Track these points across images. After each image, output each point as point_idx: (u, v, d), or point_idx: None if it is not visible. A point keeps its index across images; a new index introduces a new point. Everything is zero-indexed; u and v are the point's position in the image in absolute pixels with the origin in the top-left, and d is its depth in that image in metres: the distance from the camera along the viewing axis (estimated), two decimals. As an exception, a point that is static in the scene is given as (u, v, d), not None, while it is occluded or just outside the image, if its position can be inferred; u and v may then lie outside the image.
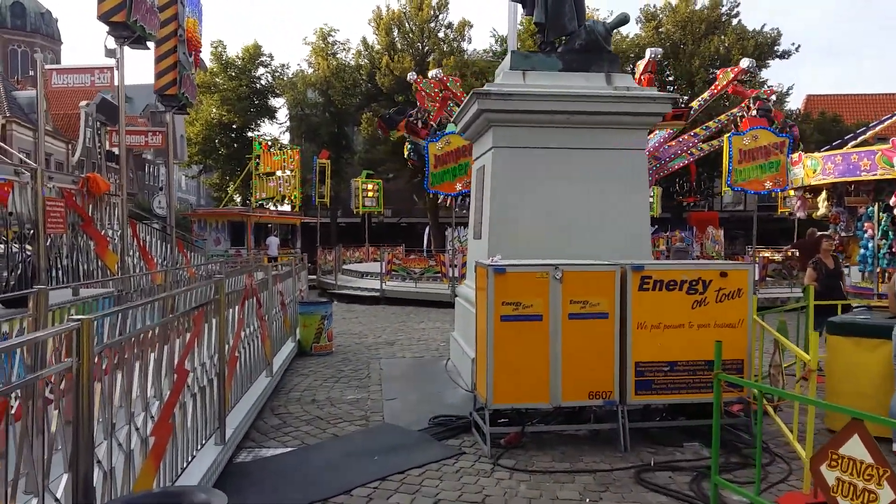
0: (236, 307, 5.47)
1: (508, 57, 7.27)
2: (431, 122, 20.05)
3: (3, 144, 10.41)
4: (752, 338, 5.83)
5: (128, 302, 6.87)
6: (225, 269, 9.52)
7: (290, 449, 5.48)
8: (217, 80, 42.15)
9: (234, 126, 41.42)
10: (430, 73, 20.37)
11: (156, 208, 38.86)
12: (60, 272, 6.80)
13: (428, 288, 18.29)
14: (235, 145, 40.46)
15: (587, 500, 4.47)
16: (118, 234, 7.57)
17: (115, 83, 8.02)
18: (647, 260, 7.00)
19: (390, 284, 18.91)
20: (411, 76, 20.93)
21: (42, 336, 3.13)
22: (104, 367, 2.97)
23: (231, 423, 5.09)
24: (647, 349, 5.53)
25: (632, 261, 5.66)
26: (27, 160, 11.40)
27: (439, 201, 22.87)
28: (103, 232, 7.14)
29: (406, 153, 20.66)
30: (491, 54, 40.59)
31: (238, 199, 41.27)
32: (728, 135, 17.26)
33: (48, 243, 5.99)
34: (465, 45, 40.74)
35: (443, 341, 11.06)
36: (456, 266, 17.41)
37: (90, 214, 6.82)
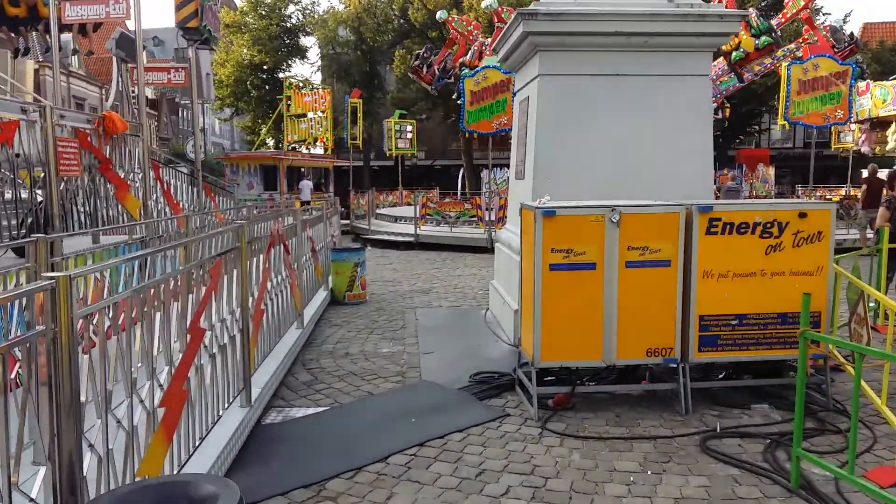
0: (261, 256, 5.03)
1: (556, -27, 6.49)
2: (435, 67, 19.29)
3: (14, 81, 10.03)
4: (835, 287, 5.19)
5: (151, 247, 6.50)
6: (252, 214, 9.12)
7: (322, 409, 5.11)
8: (247, 19, 41.24)
9: (265, 67, 40.65)
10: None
11: (189, 152, 38.80)
12: (81, 217, 6.44)
13: (463, 232, 17.77)
14: (267, 87, 39.77)
15: (648, 472, 4.00)
16: (140, 177, 7.16)
17: (132, 14, 7.51)
18: (688, 200, 6.33)
19: (425, 229, 18.43)
20: (440, 15, 19.83)
21: (6, 297, 2.69)
22: (96, 332, 2.55)
23: (258, 382, 4.72)
24: (713, 301, 4.94)
25: (697, 201, 5.02)
26: (39, 97, 11.00)
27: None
28: (123, 175, 6.74)
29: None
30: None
31: (271, 142, 40.92)
32: (787, 63, 16.02)
33: (61, 188, 5.62)
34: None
35: (480, 289, 10.59)
36: (492, 209, 16.80)
37: (108, 156, 6.41)
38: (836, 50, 16.21)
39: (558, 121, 6.33)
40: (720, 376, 5.38)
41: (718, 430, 4.59)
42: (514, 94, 7.57)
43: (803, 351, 3.79)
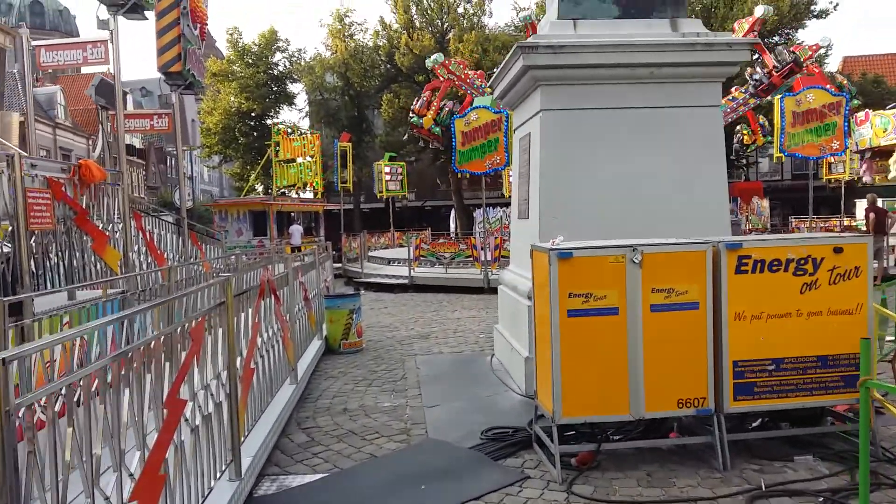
0: (250, 310, 4.60)
1: (555, 4, 6.24)
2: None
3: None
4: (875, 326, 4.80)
5: (132, 306, 6.03)
6: (240, 262, 8.70)
7: (320, 476, 4.61)
8: (234, 67, 41.41)
9: (252, 114, 40.69)
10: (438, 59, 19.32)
11: (177, 201, 38.46)
12: (55, 272, 5.99)
13: (459, 273, 17.37)
14: (255, 133, 39.76)
15: (695, 543, 3.53)
16: (121, 227, 6.74)
17: (111, 59, 7.22)
18: (713, 237, 5.98)
19: (419, 271, 18.02)
20: (430, 61, 19.66)
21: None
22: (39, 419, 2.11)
23: (249, 450, 4.23)
24: (746, 345, 4.54)
25: (724, 237, 4.65)
26: (12, 147, 10.59)
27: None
28: (102, 226, 6.33)
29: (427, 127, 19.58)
30: (513, 28, 39.22)
31: (260, 188, 40.66)
32: (779, 96, 15.95)
33: (31, 241, 5.19)
34: (486, 19, 39.43)
35: (481, 332, 10.14)
36: (487, 249, 16.45)
37: (85, 207, 6.00)
38: (775, 71, 16.16)
39: (563, 157, 6.00)
40: (754, 425, 4.95)
41: (763, 488, 4.13)
42: (515, 130, 7.27)
43: (865, 403, 3.38)
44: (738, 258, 4.50)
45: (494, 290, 16.27)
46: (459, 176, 23.86)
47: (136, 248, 7.30)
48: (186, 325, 3.19)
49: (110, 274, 6.36)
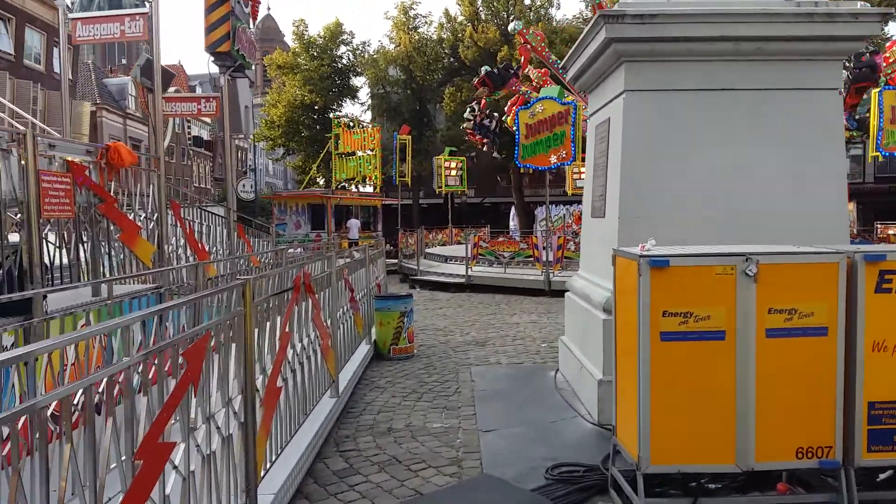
0: (279, 318, 3.94)
1: (643, -32, 5.35)
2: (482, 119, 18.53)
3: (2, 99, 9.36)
4: None
5: (165, 300, 5.49)
6: (284, 257, 8.13)
7: (354, 517, 3.92)
8: (299, 59, 41.58)
9: (316, 107, 40.74)
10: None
11: (240, 192, 38.83)
12: (73, 267, 5.49)
13: (519, 274, 16.51)
14: (318, 126, 39.77)
15: None
16: (155, 218, 6.24)
17: (151, 34, 6.74)
18: (846, 245, 4.99)
19: (477, 270, 17.25)
20: (513, 26, 18.91)
21: None
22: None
23: (270, 487, 3.56)
24: (886, 382, 3.59)
25: (861, 247, 3.72)
26: (26, 116, 10.23)
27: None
28: (133, 216, 5.82)
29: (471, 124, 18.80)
30: (581, 20, 37.95)
31: (322, 181, 40.69)
32: (877, 89, 14.45)
33: (46, 231, 4.71)
34: (552, 11, 38.29)
35: (542, 341, 9.30)
36: (549, 249, 15.52)
37: (113, 194, 5.50)
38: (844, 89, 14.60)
39: (649, 147, 5.13)
40: (882, 477, 3.99)
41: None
42: (590, 116, 6.41)
43: None
44: (879, 273, 3.56)
45: (556, 293, 15.43)
46: (522, 171, 23.00)
47: (173, 240, 6.83)
48: (178, 348, 2.52)
49: (142, 268, 5.85)
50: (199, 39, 8.90)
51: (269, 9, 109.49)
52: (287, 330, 4.03)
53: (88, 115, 33.89)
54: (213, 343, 3.02)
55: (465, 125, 18.88)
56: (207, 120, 59.50)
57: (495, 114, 18.64)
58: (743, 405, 3.54)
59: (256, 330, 3.44)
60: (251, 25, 8.73)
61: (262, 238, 11.30)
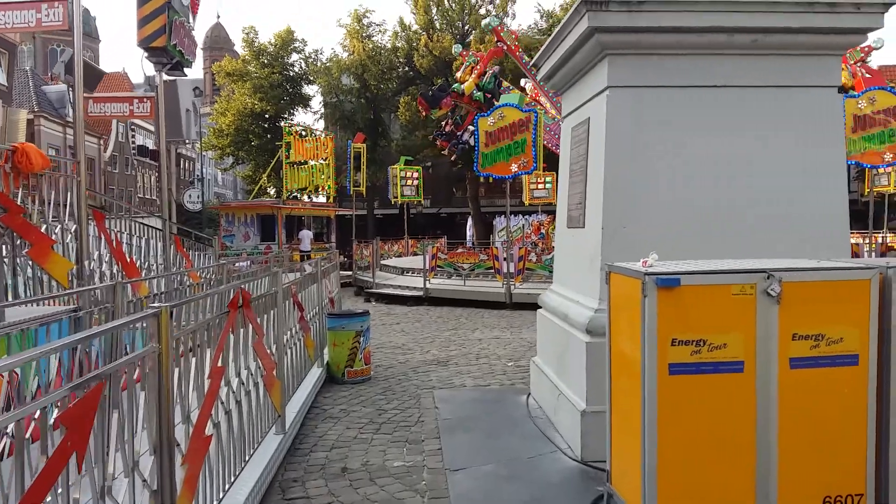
0: (209, 351, 3.25)
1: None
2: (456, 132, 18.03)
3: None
4: None
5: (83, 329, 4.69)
6: (225, 273, 7.36)
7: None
8: (249, 67, 40.47)
9: (266, 115, 39.67)
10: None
11: (186, 203, 37.39)
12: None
13: (479, 286, 15.96)
14: (269, 135, 38.71)
15: None
16: (74, 230, 5.42)
17: (72, 23, 5.95)
18: (847, 257, 4.58)
19: (435, 282, 16.64)
20: (488, 21, 18.47)
21: None
22: None
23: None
24: (922, 418, 3.12)
25: (890, 261, 3.24)
26: None
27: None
28: (46, 228, 5.01)
29: (438, 131, 18.25)
30: (536, 30, 37.99)
31: (273, 191, 39.54)
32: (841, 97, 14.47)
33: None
34: (508, 21, 38.14)
35: (509, 359, 8.74)
36: (510, 260, 14.99)
37: (20, 203, 4.69)
38: None
39: (635, 149, 4.62)
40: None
41: None
42: (564, 118, 5.89)
43: None
44: (915, 291, 3.09)
45: (517, 307, 14.92)
46: (481, 180, 22.54)
47: (96, 255, 6.00)
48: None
49: (58, 288, 5.05)
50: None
51: (218, 17, 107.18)
52: (220, 364, 3.34)
53: (24, 123, 32.15)
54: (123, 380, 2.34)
55: (436, 134, 18.30)
56: (152, 127, 57.67)
57: (470, 127, 18.11)
58: (764, 448, 3.01)
59: (177, 369, 2.74)
60: (191, 20, 7.99)
61: (206, 251, 10.46)
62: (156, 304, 2.48)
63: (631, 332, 3.14)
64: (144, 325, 3.52)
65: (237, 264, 14.87)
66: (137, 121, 49.62)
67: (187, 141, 10.03)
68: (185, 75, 8.22)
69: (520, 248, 15.32)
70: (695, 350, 2.95)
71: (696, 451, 3.01)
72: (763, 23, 4.48)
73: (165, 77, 8.25)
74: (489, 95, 16.58)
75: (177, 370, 2.73)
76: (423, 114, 18.50)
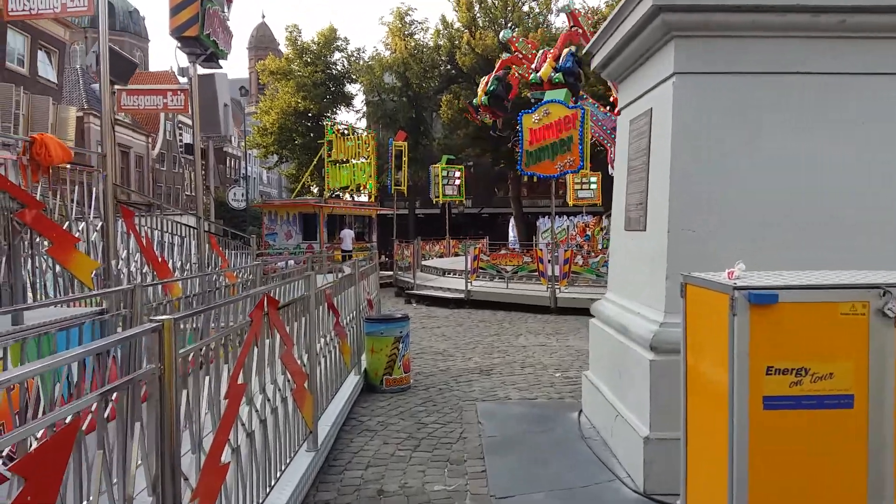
0: (226, 366, 2.89)
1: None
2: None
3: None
4: None
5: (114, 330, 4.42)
6: (259, 274, 7.06)
7: None
8: (293, 66, 40.68)
9: (310, 114, 39.80)
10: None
11: (230, 201, 37.76)
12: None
13: (522, 289, 15.47)
14: (312, 134, 38.79)
15: None
16: (100, 227, 5.19)
17: (96, 7, 5.74)
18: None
19: (477, 284, 16.20)
20: (504, 34, 18.15)
21: None
22: None
23: None
24: None
25: None
26: None
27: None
28: (66, 225, 4.78)
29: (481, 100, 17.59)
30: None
31: (316, 190, 39.67)
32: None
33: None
34: (552, 18, 37.49)
35: (556, 369, 8.26)
36: (555, 263, 14.45)
37: (41, 198, 4.45)
38: None
39: (706, 142, 4.12)
40: None
41: None
42: (622, 110, 5.40)
43: None
44: None
45: (562, 311, 14.38)
46: (524, 179, 21.97)
47: (124, 254, 5.77)
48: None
49: (82, 290, 4.80)
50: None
51: (263, 16, 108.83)
52: (241, 381, 2.98)
53: (74, 121, 32.87)
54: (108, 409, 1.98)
55: (476, 100, 17.67)
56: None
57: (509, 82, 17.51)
58: (876, 494, 2.51)
59: (185, 391, 2.39)
60: (226, 10, 7.73)
61: (245, 250, 10.23)
62: (158, 318, 2.12)
63: (714, 355, 2.67)
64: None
65: (278, 264, 14.72)
66: (184, 118, 50.36)
67: (227, 136, 9.89)
68: (221, 67, 8.00)
69: (565, 251, 14.76)
70: (794, 381, 2.46)
71: (795, 498, 2.52)
72: (852, 0, 3.93)
73: (201, 70, 8.03)
74: (570, 78, 15.86)
75: (185, 392, 2.38)
76: (493, 119, 18.01)
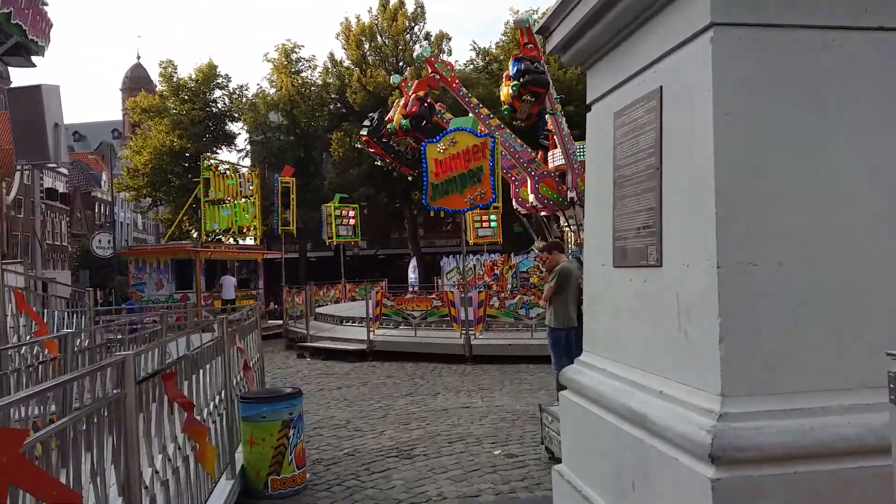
0: None
1: None
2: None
3: None
4: None
5: None
6: (70, 346, 5.00)
7: None
8: (168, 103, 37.70)
9: (187, 153, 36.80)
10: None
11: (95, 249, 33.87)
12: None
13: (432, 337, 13.80)
14: (189, 175, 35.69)
15: None
16: None
17: None
18: None
19: (381, 333, 14.40)
20: (420, 51, 17.08)
21: None
22: None
23: None
24: None
25: None
26: None
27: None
28: None
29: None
30: (472, 67, 36.91)
31: (195, 234, 36.47)
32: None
33: None
34: (444, 57, 36.95)
35: (492, 442, 6.63)
36: (467, 305, 12.88)
37: None
38: None
39: (770, 128, 2.68)
40: None
41: None
42: (593, 103, 3.93)
43: None
44: None
45: (477, 360, 12.84)
46: (422, 218, 20.61)
47: None
48: None
49: None
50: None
51: (138, 57, 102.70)
52: None
53: None
54: None
55: (363, 133, 16.21)
56: (63, 170, 53.37)
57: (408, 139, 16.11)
58: None
59: None
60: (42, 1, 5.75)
61: (78, 305, 7.88)
62: None
63: None
64: None
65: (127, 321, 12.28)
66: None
67: (55, 164, 7.63)
68: (34, 65, 5.96)
69: (479, 292, 13.29)
70: None
71: None
72: None
73: (17, 77, 5.96)
74: (420, 121, 14.74)
75: None
76: (414, 146, 16.58)
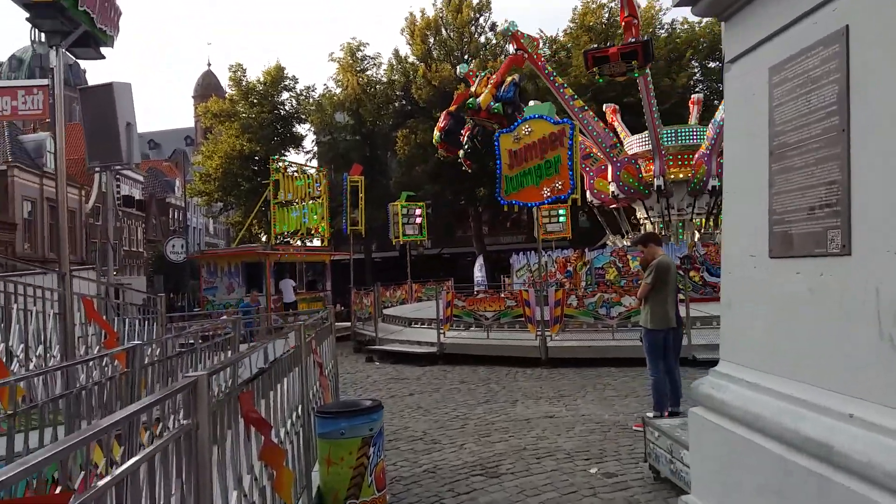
0: None
1: None
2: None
3: None
4: None
5: None
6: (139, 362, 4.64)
7: None
8: (237, 107, 38.31)
9: (256, 157, 37.27)
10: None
11: (169, 254, 34.70)
12: None
13: (505, 339, 13.16)
14: (259, 178, 36.14)
15: None
16: None
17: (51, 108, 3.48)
18: None
19: (451, 335, 13.85)
20: (461, 68, 16.73)
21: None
22: None
23: None
24: None
25: None
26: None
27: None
28: None
29: (463, 151, 15.83)
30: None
31: (264, 238, 36.92)
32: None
33: None
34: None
35: (585, 456, 5.96)
36: (543, 305, 12.17)
37: None
38: None
39: None
40: None
41: None
42: (734, 59, 3.24)
43: None
44: None
45: (554, 363, 12.13)
46: (505, 209, 20.13)
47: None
48: None
49: None
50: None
51: (209, 64, 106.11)
52: None
53: (-12, 173, 29.65)
54: None
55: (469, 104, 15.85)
56: (138, 176, 55.12)
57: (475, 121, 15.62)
58: None
59: None
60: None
61: (152, 313, 7.65)
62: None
63: None
64: None
65: (204, 326, 12.12)
66: (125, 170, 47.06)
67: (130, 165, 7.46)
68: (103, 57, 5.63)
69: (556, 291, 12.56)
70: None
71: None
72: None
73: (85, 69, 5.70)
74: (510, 109, 14.12)
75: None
76: (449, 156, 16.25)
